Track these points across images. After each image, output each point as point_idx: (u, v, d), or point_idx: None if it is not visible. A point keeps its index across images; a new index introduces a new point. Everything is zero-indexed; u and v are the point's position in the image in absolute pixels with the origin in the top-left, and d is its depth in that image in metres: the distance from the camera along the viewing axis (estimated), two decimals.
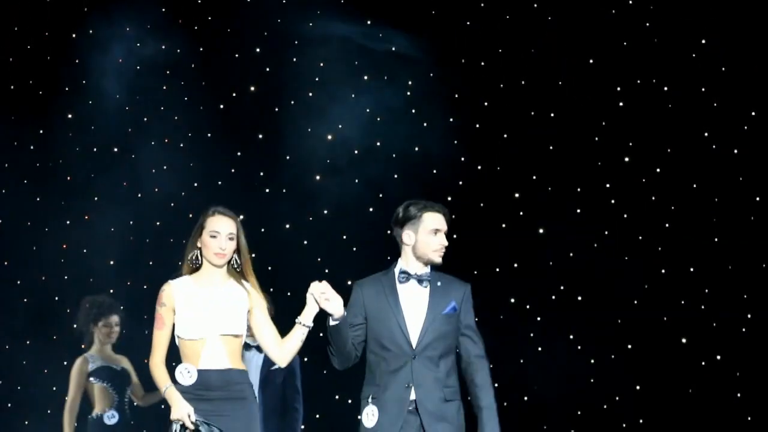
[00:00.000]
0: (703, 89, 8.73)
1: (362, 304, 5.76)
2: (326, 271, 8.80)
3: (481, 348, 5.73)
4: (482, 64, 9.05)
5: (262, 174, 9.28)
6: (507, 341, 8.50)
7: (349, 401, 8.88)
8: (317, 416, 8.84)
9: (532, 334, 8.82)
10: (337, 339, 5.59)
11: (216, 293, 5.63)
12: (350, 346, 5.67)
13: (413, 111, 9.10)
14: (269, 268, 8.57)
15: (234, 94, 9.33)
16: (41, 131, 9.45)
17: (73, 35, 9.43)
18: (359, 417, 5.59)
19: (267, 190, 9.21)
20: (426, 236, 5.72)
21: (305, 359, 8.17)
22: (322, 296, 5.50)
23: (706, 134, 8.70)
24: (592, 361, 8.68)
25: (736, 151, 8.66)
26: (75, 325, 8.00)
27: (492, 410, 5.63)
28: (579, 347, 8.67)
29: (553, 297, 8.82)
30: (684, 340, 8.63)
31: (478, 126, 9.06)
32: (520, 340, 8.79)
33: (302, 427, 7.62)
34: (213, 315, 5.58)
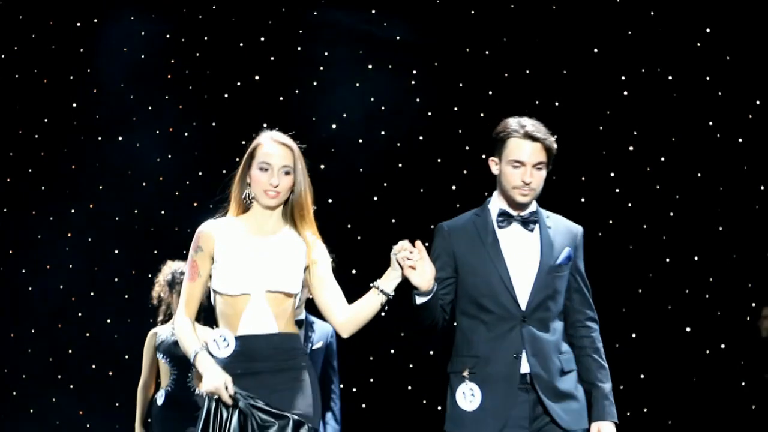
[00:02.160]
0: (707, 78, 8.72)
1: (451, 252, 4.58)
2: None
3: (593, 307, 4.75)
4: (486, 53, 9.04)
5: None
6: None
7: (354, 389, 8.89)
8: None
9: None
10: (424, 318, 4.41)
11: (267, 241, 4.44)
12: (439, 313, 4.49)
13: (417, 100, 9.09)
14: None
15: (238, 83, 9.32)
16: (45, 120, 9.45)
17: (78, 24, 9.42)
18: (454, 396, 4.51)
19: None
20: (506, 167, 4.62)
21: None
22: (407, 262, 4.25)
23: (710, 123, 8.70)
24: None
25: (740, 140, 8.66)
26: (152, 294, 7.13)
27: (610, 392, 4.58)
28: None
29: None
30: (688, 329, 8.64)
31: (482, 115, 9.06)
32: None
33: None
34: (260, 266, 4.37)
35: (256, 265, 4.38)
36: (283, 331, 4.36)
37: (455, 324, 4.60)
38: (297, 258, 4.47)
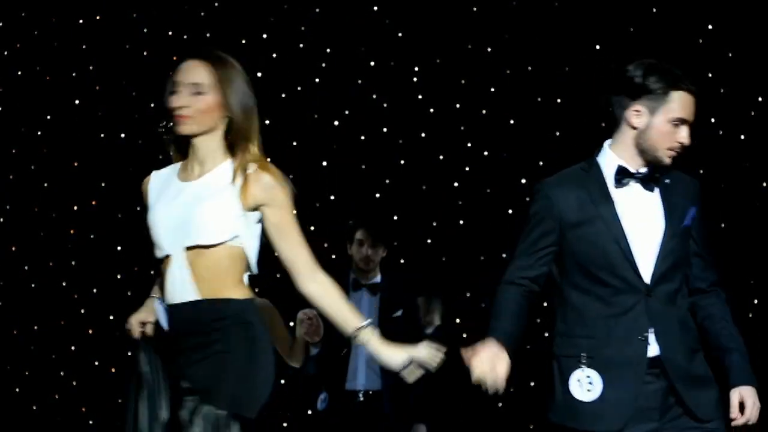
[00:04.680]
0: (709, 75, 8.72)
1: (557, 216, 3.92)
2: (333, 257, 8.81)
3: (717, 271, 4.09)
4: (488, 50, 9.04)
5: (268, 160, 9.27)
6: None
7: None
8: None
9: (538, 320, 8.82)
10: None
11: (191, 185, 3.61)
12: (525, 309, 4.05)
13: (419, 97, 9.09)
14: (275, 254, 8.57)
15: None
16: (48, 117, 9.45)
17: (80, 21, 9.43)
18: (565, 383, 3.86)
19: None
20: (665, 125, 3.92)
21: None
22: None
23: (712, 120, 8.69)
24: None
25: (742, 137, 8.66)
26: None
27: (745, 354, 4.05)
28: None
29: None
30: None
31: (484, 112, 9.06)
32: (527, 325, 8.78)
33: None
34: (175, 219, 3.57)
35: (170, 217, 3.61)
36: (208, 296, 3.51)
37: (562, 298, 3.98)
38: (222, 199, 3.54)
